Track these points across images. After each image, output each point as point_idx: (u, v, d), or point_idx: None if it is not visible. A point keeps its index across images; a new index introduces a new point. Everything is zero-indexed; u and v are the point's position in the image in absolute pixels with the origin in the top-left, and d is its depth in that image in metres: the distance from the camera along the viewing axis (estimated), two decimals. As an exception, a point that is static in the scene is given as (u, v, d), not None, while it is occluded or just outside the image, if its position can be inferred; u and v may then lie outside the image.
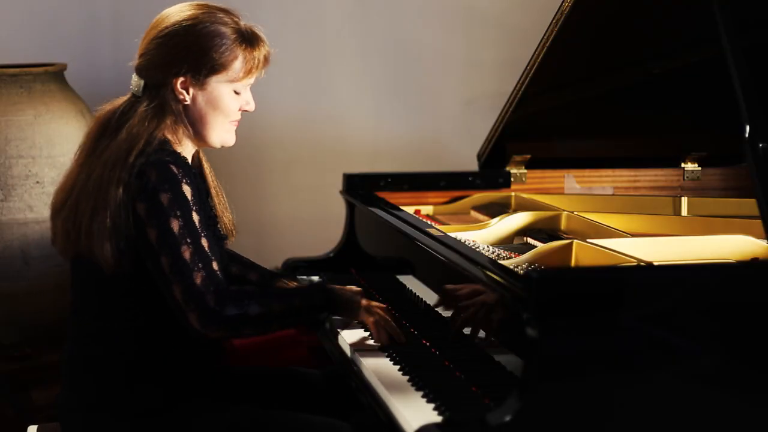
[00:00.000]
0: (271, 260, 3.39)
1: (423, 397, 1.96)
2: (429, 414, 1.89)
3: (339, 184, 3.15)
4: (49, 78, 3.51)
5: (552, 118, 3.14)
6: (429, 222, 2.74)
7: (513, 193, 3.17)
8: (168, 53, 2.16)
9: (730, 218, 2.80)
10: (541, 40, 2.78)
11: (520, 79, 2.92)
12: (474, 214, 3.12)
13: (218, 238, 2.30)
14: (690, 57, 2.96)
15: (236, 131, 2.28)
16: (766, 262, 2.34)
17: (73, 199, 2.15)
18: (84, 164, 2.17)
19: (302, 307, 2.18)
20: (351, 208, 3.09)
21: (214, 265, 2.11)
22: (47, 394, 3.28)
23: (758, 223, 2.11)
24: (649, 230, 2.82)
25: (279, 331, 2.22)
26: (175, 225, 2.08)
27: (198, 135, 2.22)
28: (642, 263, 2.22)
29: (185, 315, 2.07)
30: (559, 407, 1.81)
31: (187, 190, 2.11)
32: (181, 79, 2.17)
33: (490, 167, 3.23)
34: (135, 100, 2.20)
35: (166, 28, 2.17)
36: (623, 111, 3.18)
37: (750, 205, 2.57)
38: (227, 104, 2.21)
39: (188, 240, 2.08)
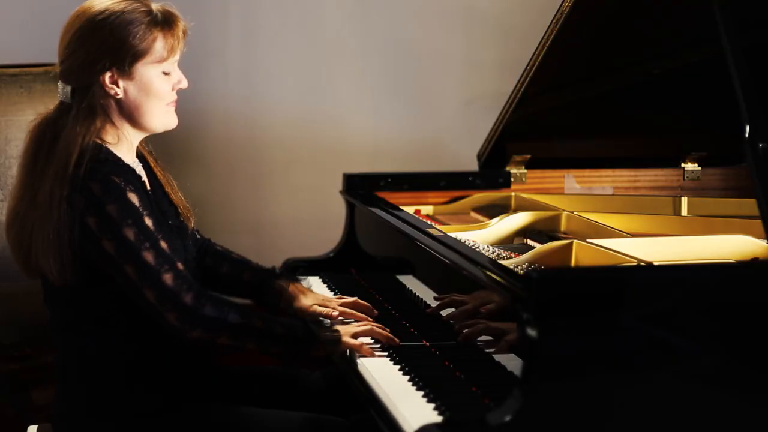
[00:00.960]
0: (271, 260, 3.38)
1: (423, 397, 1.96)
2: (429, 414, 1.88)
3: (339, 184, 3.15)
4: (49, 78, 3.51)
5: (552, 118, 3.14)
6: (429, 222, 2.74)
7: (513, 193, 3.17)
8: (88, 52, 2.14)
9: (730, 218, 2.80)
10: (541, 40, 2.78)
11: (520, 79, 2.92)
12: (474, 214, 3.12)
13: (180, 229, 2.28)
14: (690, 57, 2.96)
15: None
16: (766, 262, 2.34)
17: (21, 217, 2.13)
18: (27, 182, 2.15)
19: (283, 335, 2.14)
20: (351, 208, 3.09)
21: (179, 266, 2.10)
22: (47, 394, 3.27)
23: (758, 223, 2.11)
24: (649, 230, 2.82)
25: (254, 353, 2.16)
26: (130, 233, 2.06)
27: (137, 125, 2.20)
28: (642, 263, 2.22)
29: (162, 316, 2.06)
30: (559, 407, 1.81)
31: (133, 197, 2.09)
32: (108, 74, 2.14)
33: (490, 167, 3.22)
34: (65, 107, 2.18)
35: (80, 28, 2.16)
36: (623, 111, 3.17)
37: (750, 205, 2.56)
38: (159, 87, 2.18)
39: (147, 244, 2.07)
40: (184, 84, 2.24)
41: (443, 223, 2.88)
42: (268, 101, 4.08)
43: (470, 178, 3.21)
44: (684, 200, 3.12)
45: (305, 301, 2.44)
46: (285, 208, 4.20)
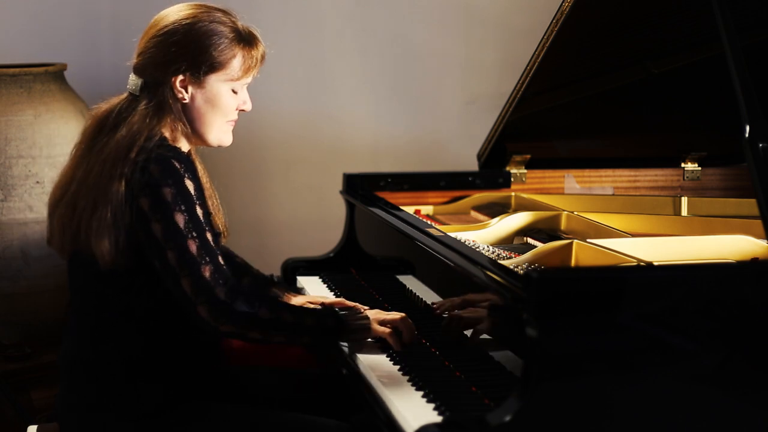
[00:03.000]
0: (271, 260, 3.39)
1: (423, 397, 1.96)
2: (429, 414, 1.89)
3: (339, 184, 3.15)
4: (49, 78, 3.51)
5: (552, 118, 3.14)
6: (429, 222, 2.75)
7: (513, 193, 3.17)
8: (167, 52, 2.17)
9: (730, 218, 2.80)
10: (541, 40, 2.78)
11: (520, 79, 2.92)
12: (474, 214, 3.12)
13: (216, 234, 2.30)
14: (690, 57, 2.96)
15: (236, 131, 2.28)
16: (766, 262, 2.34)
17: (71, 195, 2.15)
18: (81, 161, 2.18)
19: (313, 326, 2.15)
20: (351, 208, 3.09)
21: (220, 259, 2.12)
22: (47, 394, 3.28)
23: (758, 223, 2.11)
24: (649, 230, 2.82)
25: (283, 346, 2.19)
26: (180, 219, 2.08)
27: (196, 134, 2.23)
28: (642, 263, 2.22)
29: (195, 308, 2.07)
30: (559, 407, 1.81)
31: (189, 184, 2.12)
32: (180, 77, 2.17)
33: (490, 167, 3.23)
34: (133, 98, 2.20)
35: (165, 27, 2.18)
36: (623, 111, 3.18)
37: (750, 205, 2.57)
38: (226, 103, 2.22)
39: (194, 234, 2.09)
40: (248, 107, 2.27)
41: (443, 223, 2.89)
42: (268, 101, 4.08)
43: (470, 178, 3.21)
44: (684, 200, 3.13)
45: (297, 302, 2.53)
46: (285, 208, 4.20)
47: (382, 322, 2.23)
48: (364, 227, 3.03)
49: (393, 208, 2.82)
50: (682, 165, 3.32)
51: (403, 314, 2.26)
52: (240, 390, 2.37)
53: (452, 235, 2.50)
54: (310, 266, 3.01)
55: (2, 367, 3.35)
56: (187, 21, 2.18)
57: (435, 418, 1.87)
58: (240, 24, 2.23)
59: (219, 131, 2.24)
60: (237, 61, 2.20)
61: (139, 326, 2.16)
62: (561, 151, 3.29)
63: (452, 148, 4.21)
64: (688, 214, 3.11)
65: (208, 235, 2.12)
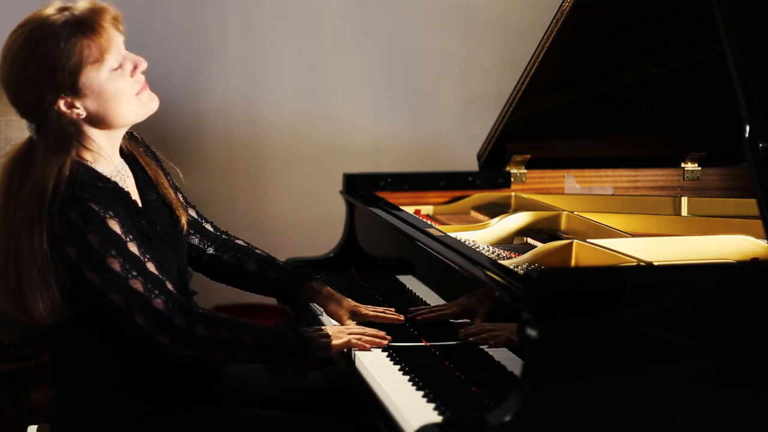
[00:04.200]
0: (271, 260, 3.38)
1: (423, 397, 1.96)
2: (429, 414, 1.89)
3: (339, 184, 3.15)
4: (49, 78, 3.50)
5: (552, 118, 3.14)
6: (429, 222, 2.75)
7: (513, 193, 3.17)
8: (30, 92, 2.03)
9: (730, 218, 2.81)
10: (541, 40, 2.78)
11: (520, 79, 2.92)
12: (474, 214, 3.12)
13: (171, 234, 2.21)
14: (690, 57, 2.96)
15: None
16: (766, 262, 2.34)
17: (2, 258, 2.05)
18: (3, 217, 2.06)
19: (274, 346, 2.11)
20: (351, 208, 3.09)
21: (168, 286, 2.05)
22: (47, 394, 3.27)
23: (758, 223, 2.11)
24: (649, 230, 2.82)
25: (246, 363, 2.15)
26: (115, 264, 2.00)
27: (114, 127, 2.10)
28: (642, 263, 2.22)
29: (155, 339, 2.03)
30: (559, 407, 1.81)
31: (114, 224, 2.01)
32: (60, 102, 2.03)
33: (490, 167, 3.23)
34: (33, 142, 2.09)
35: (11, 68, 2.04)
36: (623, 111, 3.18)
37: (750, 205, 2.57)
38: (115, 87, 2.05)
39: (134, 273, 2.01)
40: (144, 65, 2.09)
41: (443, 223, 2.89)
42: (268, 101, 4.08)
43: (470, 178, 3.21)
44: (684, 200, 3.13)
45: (338, 310, 2.41)
46: (285, 208, 4.20)
47: (341, 335, 2.20)
48: (364, 227, 3.03)
49: (393, 208, 2.82)
50: (682, 165, 3.32)
51: (358, 336, 2.22)
52: (240, 391, 2.36)
53: (452, 235, 2.50)
54: (310, 266, 3.01)
55: (2, 367, 3.35)
56: (24, 53, 2.02)
57: (435, 418, 1.87)
58: (73, 12, 2.03)
59: (134, 108, 2.09)
60: (87, 49, 2.01)
61: (113, 343, 2.11)
62: (561, 151, 3.29)
63: (452, 148, 4.21)
64: (688, 214, 3.11)
65: (150, 266, 2.04)
